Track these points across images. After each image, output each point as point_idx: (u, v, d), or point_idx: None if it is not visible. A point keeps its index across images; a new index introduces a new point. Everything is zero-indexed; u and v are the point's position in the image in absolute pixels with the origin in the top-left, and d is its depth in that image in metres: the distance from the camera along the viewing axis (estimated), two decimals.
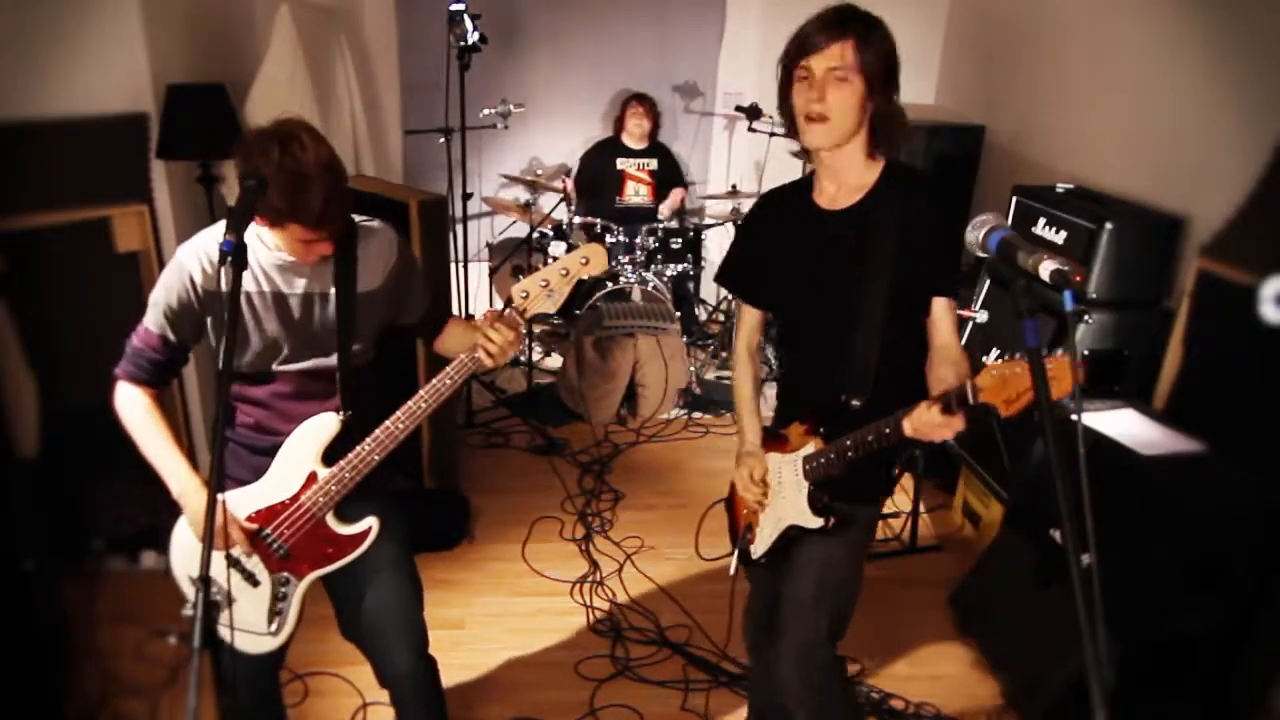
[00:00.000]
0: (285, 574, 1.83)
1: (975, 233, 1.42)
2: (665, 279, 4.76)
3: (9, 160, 2.84)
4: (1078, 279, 1.21)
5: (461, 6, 3.68)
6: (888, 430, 1.63)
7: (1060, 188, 3.31)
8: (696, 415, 4.51)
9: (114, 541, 3.06)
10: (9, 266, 2.70)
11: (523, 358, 4.84)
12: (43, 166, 2.96)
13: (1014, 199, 3.38)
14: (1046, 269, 1.23)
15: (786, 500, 1.92)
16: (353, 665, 2.62)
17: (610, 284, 4.61)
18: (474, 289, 4.37)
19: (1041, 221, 3.19)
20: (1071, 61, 3.74)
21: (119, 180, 3.23)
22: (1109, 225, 2.90)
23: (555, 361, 5.04)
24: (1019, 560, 2.69)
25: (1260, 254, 2.53)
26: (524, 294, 1.74)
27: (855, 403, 1.76)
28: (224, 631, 1.71)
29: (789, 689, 1.92)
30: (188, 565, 1.89)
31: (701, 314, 5.53)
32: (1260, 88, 2.69)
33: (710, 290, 5.76)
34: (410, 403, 1.77)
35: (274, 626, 1.83)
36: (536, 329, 5.19)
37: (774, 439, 1.98)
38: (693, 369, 4.64)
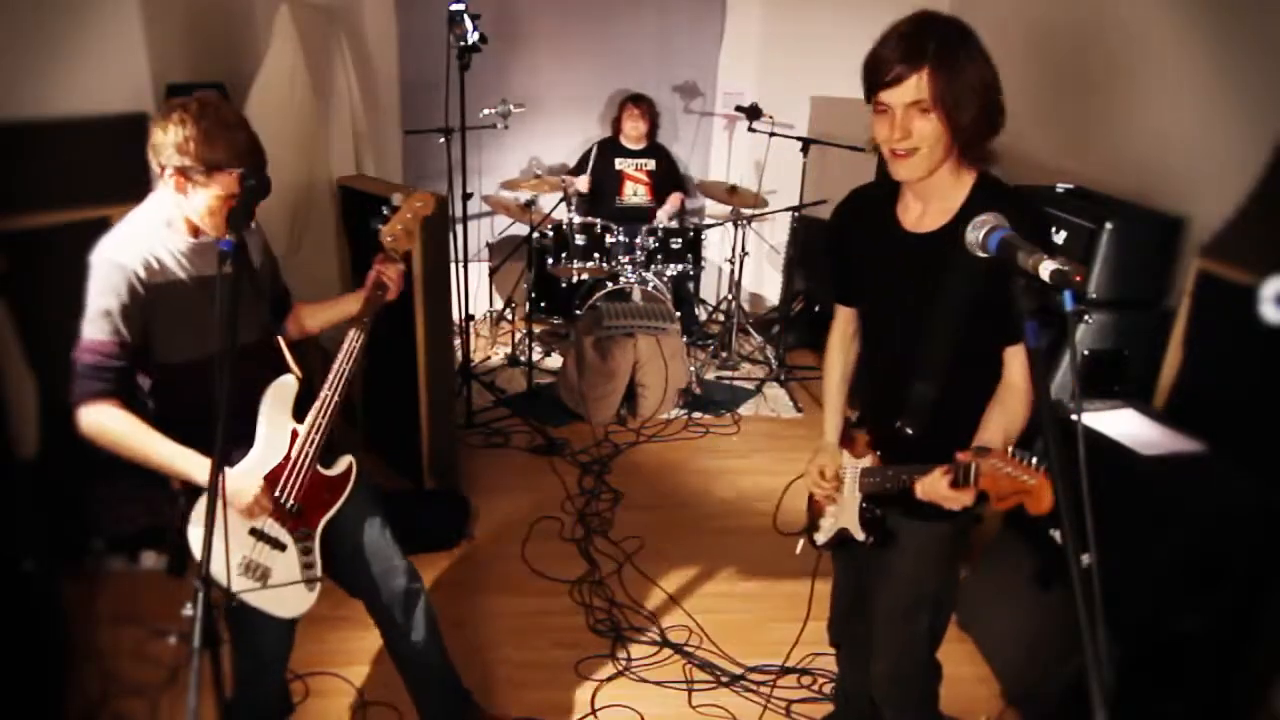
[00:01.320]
0: (303, 529, 1.96)
1: (975, 233, 1.41)
2: (665, 279, 4.77)
3: (9, 160, 2.84)
4: (1078, 279, 1.21)
5: (461, 6, 3.68)
6: (905, 478, 1.66)
7: (1060, 188, 3.31)
8: (696, 415, 4.51)
9: (114, 541, 3.06)
10: (9, 266, 2.70)
11: (523, 358, 4.84)
12: (43, 166, 2.96)
13: None
14: (1046, 269, 1.23)
15: (846, 503, 1.94)
16: (353, 665, 2.63)
17: (610, 284, 4.61)
18: (474, 289, 4.36)
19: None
20: (1071, 61, 3.74)
21: (119, 180, 3.22)
22: (1109, 225, 2.90)
23: (555, 361, 5.04)
24: (1019, 560, 2.69)
25: (1260, 254, 2.53)
26: (391, 237, 2.08)
27: (909, 431, 1.75)
28: (266, 604, 1.86)
29: (880, 691, 1.99)
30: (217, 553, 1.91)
31: (701, 314, 5.53)
32: (1260, 88, 2.69)
33: (710, 290, 5.77)
34: (345, 343, 1.98)
35: (310, 580, 1.96)
36: (537, 329, 5.19)
37: (848, 437, 1.96)
38: (693, 369, 4.64)
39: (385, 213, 2.96)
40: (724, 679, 2.71)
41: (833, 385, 2.03)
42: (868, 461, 1.86)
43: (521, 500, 3.64)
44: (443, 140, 4.15)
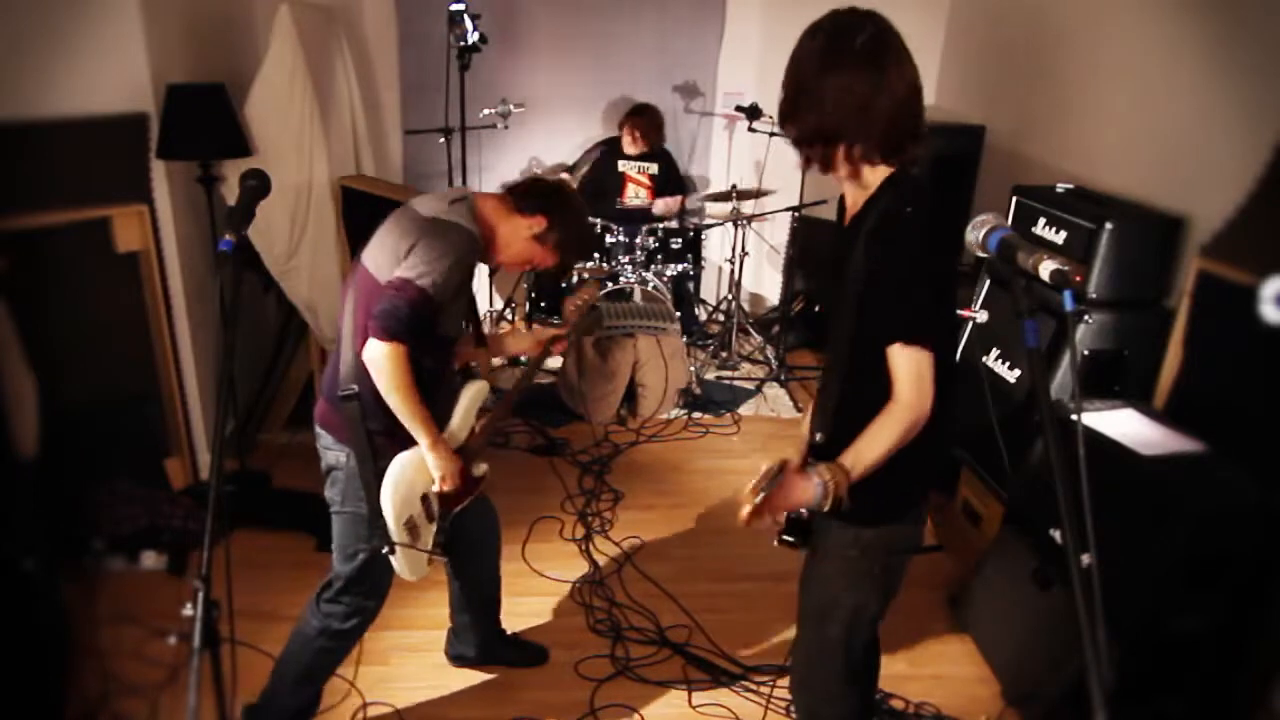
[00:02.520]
0: (444, 510, 2.26)
1: (975, 233, 1.42)
2: (665, 279, 4.77)
3: (9, 160, 2.84)
4: (1078, 279, 1.21)
5: (461, 6, 3.68)
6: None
7: (1060, 188, 3.31)
8: (696, 415, 4.51)
9: (114, 541, 3.06)
10: (9, 266, 2.70)
11: (522, 358, 4.83)
12: (43, 166, 2.96)
13: (1014, 199, 3.38)
14: (1046, 269, 1.23)
15: None
16: (353, 665, 2.63)
17: (610, 284, 4.62)
18: (474, 289, 4.36)
19: (1041, 221, 3.19)
20: (1072, 61, 3.74)
21: (119, 180, 3.23)
22: (1109, 225, 2.90)
23: (555, 361, 5.03)
24: (1019, 560, 2.68)
25: (1260, 254, 2.53)
26: (573, 308, 2.62)
27: (819, 436, 1.74)
28: (403, 561, 2.11)
29: (793, 695, 2.02)
30: (403, 507, 2.12)
31: (701, 314, 5.53)
32: (1260, 88, 2.69)
33: (710, 290, 5.77)
34: (519, 379, 2.49)
35: (433, 553, 2.23)
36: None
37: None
38: (693, 369, 4.64)
39: (575, 283, 3.48)
40: (724, 679, 2.71)
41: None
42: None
43: (521, 500, 3.64)
44: (443, 140, 4.16)
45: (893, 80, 1.56)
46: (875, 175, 1.64)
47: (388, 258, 1.97)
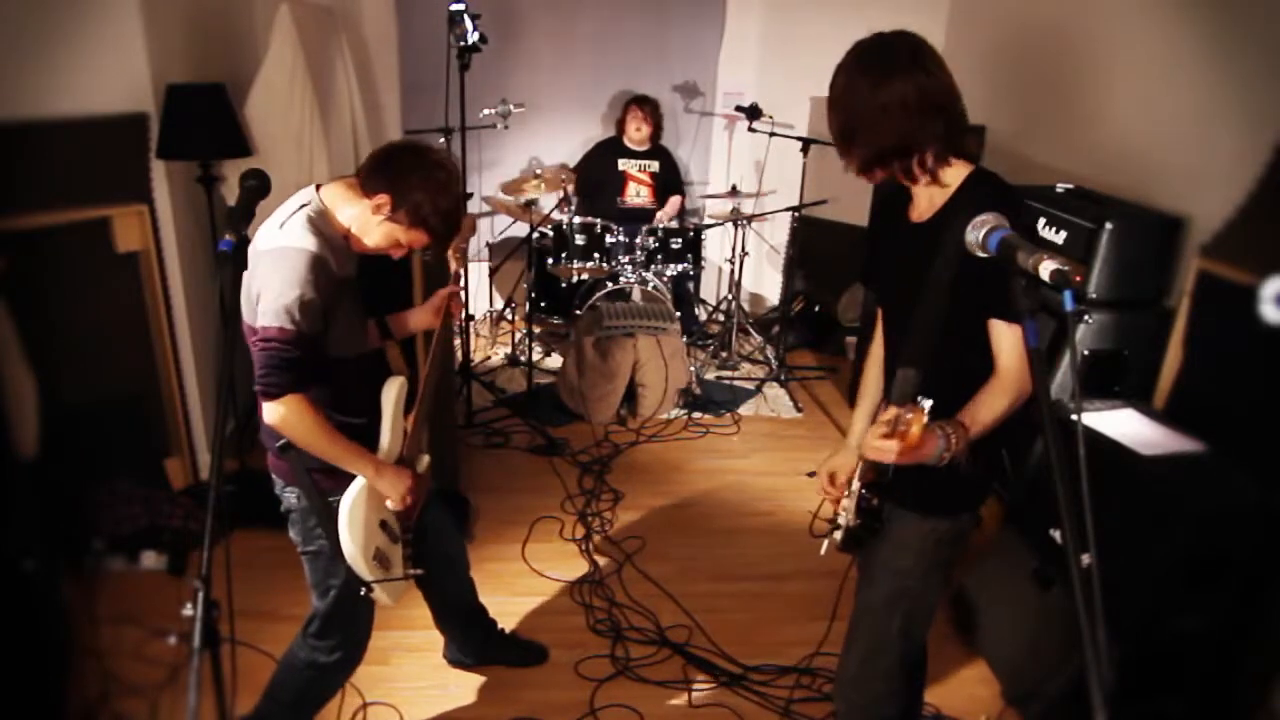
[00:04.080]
0: (405, 522, 2.13)
1: (975, 233, 1.42)
2: (665, 279, 4.77)
3: (9, 160, 2.84)
4: (1078, 279, 1.21)
5: (461, 6, 3.68)
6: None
7: (1060, 188, 3.31)
8: (696, 415, 4.51)
9: (114, 541, 3.06)
10: (9, 266, 2.70)
11: (523, 358, 4.84)
12: (43, 166, 2.96)
13: None
14: (1046, 269, 1.23)
15: (853, 497, 1.93)
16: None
17: (610, 284, 4.61)
18: (474, 289, 4.37)
19: (1041, 221, 3.19)
20: (1071, 62, 3.74)
21: (119, 180, 3.23)
22: (1109, 225, 2.90)
23: (555, 361, 5.04)
24: (1019, 560, 2.68)
25: (1260, 254, 2.53)
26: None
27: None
28: (384, 597, 2.02)
29: (840, 693, 2.02)
30: (366, 544, 2.01)
31: (701, 314, 5.53)
32: (1260, 88, 2.69)
33: (710, 290, 5.77)
34: (431, 348, 2.20)
35: (409, 572, 2.14)
36: (536, 329, 5.19)
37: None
38: (693, 369, 4.64)
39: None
40: (724, 679, 2.71)
41: (863, 383, 2.04)
42: None
43: (521, 500, 3.64)
44: (443, 140, 4.16)
45: (939, 78, 1.63)
46: (954, 174, 1.69)
47: (250, 306, 1.83)
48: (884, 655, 1.93)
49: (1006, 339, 1.65)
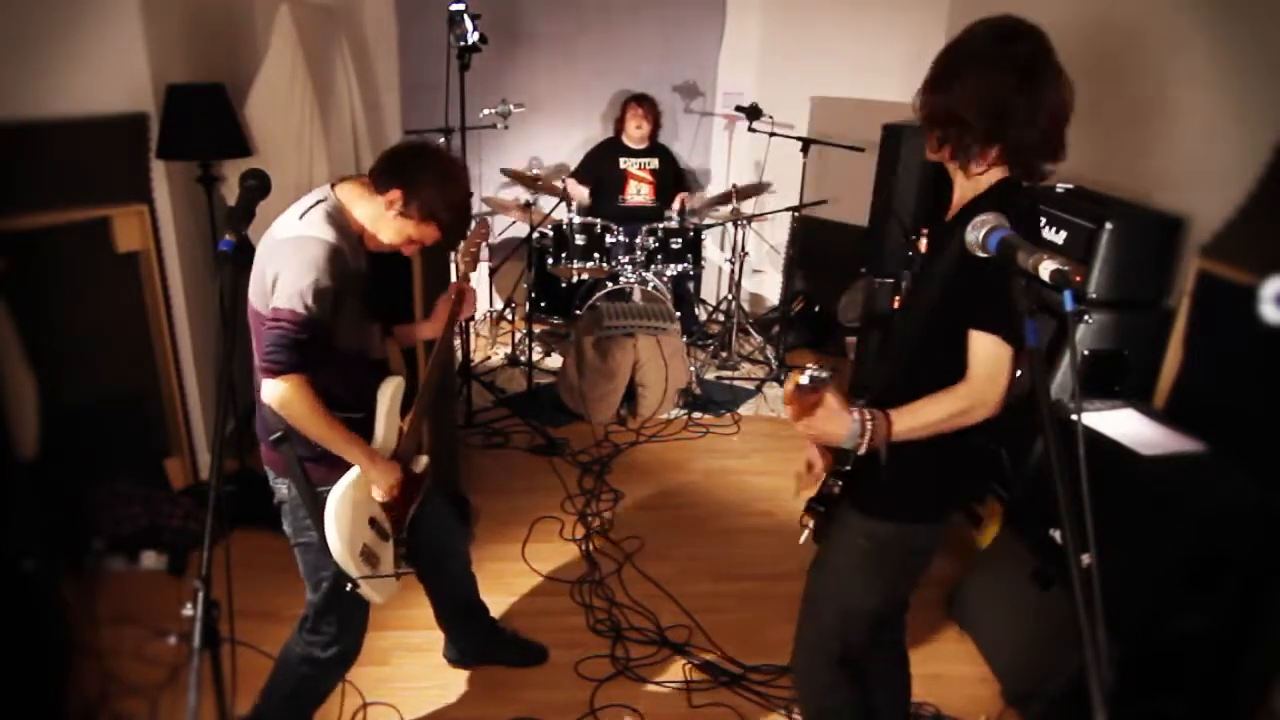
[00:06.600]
0: (401, 516, 2.17)
1: (975, 233, 1.41)
2: (665, 279, 4.77)
3: (9, 160, 2.84)
4: (1078, 279, 1.20)
5: (461, 6, 3.68)
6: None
7: (1060, 188, 3.31)
8: (696, 415, 4.51)
9: (114, 541, 3.06)
10: (9, 266, 2.70)
11: (523, 358, 4.84)
12: (43, 166, 2.96)
13: None
14: (1046, 269, 1.23)
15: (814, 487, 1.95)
16: (353, 665, 2.63)
17: (610, 284, 4.61)
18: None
19: (1041, 221, 3.19)
20: (1071, 61, 3.73)
21: (119, 180, 3.23)
22: (1109, 225, 2.90)
23: (555, 361, 5.04)
24: (1019, 560, 2.68)
25: (1260, 254, 2.53)
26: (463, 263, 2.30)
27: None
28: (372, 590, 2.04)
29: (795, 675, 2.05)
30: (353, 539, 2.02)
31: (701, 314, 5.53)
32: (1260, 88, 2.69)
33: (710, 290, 5.77)
34: (434, 352, 2.23)
35: (399, 570, 2.15)
36: (536, 329, 5.19)
37: None
38: (693, 369, 4.64)
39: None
40: (724, 679, 2.71)
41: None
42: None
43: (521, 500, 3.64)
44: (443, 140, 4.15)
45: (1040, 98, 1.62)
46: (990, 175, 1.66)
47: (262, 290, 1.87)
48: (822, 648, 1.94)
49: (979, 349, 1.59)
